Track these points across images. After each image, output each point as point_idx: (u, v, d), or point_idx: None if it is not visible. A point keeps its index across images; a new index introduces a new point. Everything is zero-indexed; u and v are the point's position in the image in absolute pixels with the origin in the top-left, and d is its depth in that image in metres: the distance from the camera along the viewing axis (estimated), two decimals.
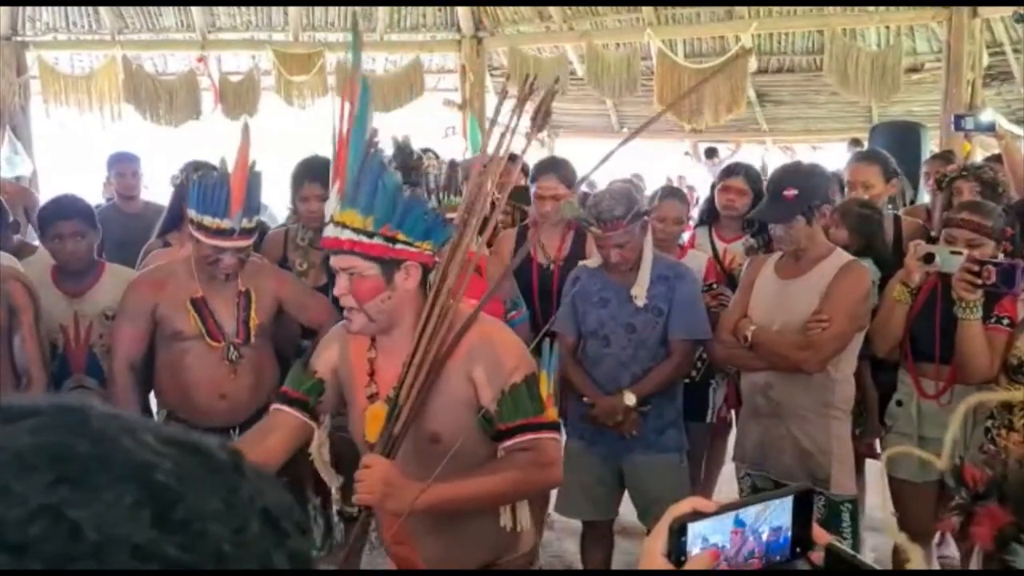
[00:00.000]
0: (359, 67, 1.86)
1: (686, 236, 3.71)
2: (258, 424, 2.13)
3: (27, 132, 7.64)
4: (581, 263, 3.16)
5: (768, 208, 2.83)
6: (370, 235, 1.75)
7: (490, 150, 1.92)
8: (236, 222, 2.57)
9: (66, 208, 3.06)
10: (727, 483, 3.61)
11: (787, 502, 0.87)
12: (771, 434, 2.87)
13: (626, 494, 3.18)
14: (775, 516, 0.86)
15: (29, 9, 7.61)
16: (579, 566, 3.45)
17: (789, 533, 0.87)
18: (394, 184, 1.75)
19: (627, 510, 3.25)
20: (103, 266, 3.15)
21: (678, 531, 0.82)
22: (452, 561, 1.94)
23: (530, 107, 2.01)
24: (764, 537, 0.86)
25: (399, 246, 1.77)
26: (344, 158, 1.78)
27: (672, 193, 3.51)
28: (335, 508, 3.76)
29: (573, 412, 3.17)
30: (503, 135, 1.89)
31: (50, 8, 7.68)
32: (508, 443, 1.79)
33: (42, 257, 3.27)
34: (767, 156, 10.26)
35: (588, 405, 3.00)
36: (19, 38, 7.61)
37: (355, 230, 1.75)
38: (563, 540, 4.07)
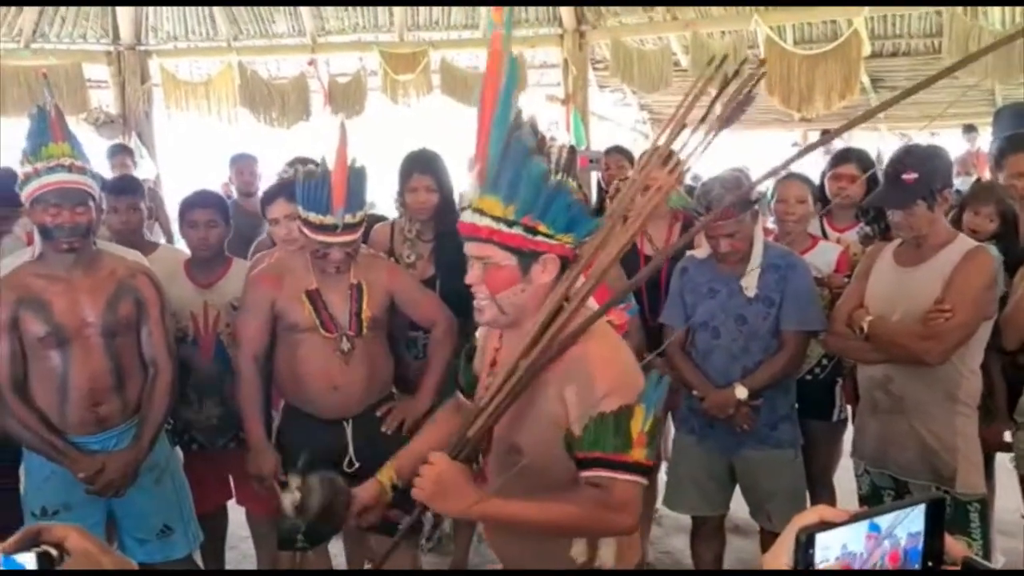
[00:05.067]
0: (508, 48, 1.69)
1: (815, 225, 3.56)
2: (447, 405, 2.17)
3: (151, 137, 8.04)
4: (689, 253, 3.10)
5: (887, 193, 2.70)
6: (510, 224, 1.65)
7: (654, 144, 1.78)
8: (339, 218, 2.62)
9: (204, 199, 3.30)
10: (840, 481, 3.49)
11: (920, 510, 0.82)
12: (892, 430, 2.74)
13: (737, 490, 3.11)
14: (911, 523, 0.82)
15: (152, 19, 7.99)
16: (688, 564, 3.39)
17: (922, 542, 0.83)
18: (539, 172, 1.62)
19: (739, 507, 3.18)
20: (231, 260, 3.31)
21: (806, 542, 0.79)
22: (532, 566, 1.86)
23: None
24: (902, 543, 0.82)
25: (539, 237, 1.66)
26: (485, 142, 1.67)
27: (792, 174, 3.40)
28: None
29: (683, 405, 3.12)
30: (673, 129, 1.72)
31: (171, 18, 8.05)
32: (583, 474, 1.64)
33: (166, 253, 3.48)
34: (881, 143, 9.86)
35: (698, 398, 2.95)
36: (143, 47, 8.01)
37: (495, 218, 1.65)
38: (672, 536, 4.02)
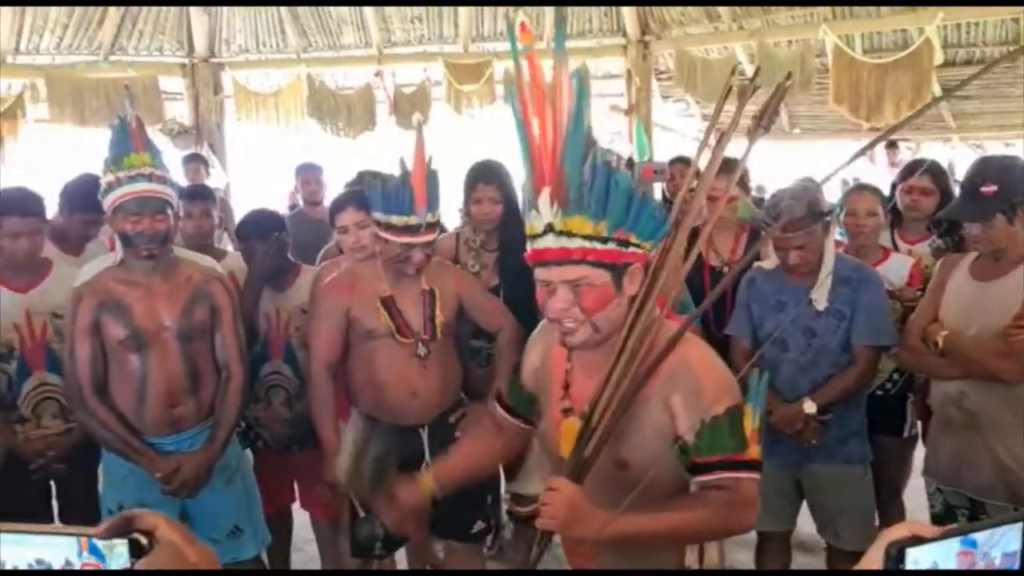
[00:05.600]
0: (566, 63, 1.59)
1: (886, 237, 3.49)
2: (485, 415, 2.20)
3: (221, 147, 8.26)
4: (757, 264, 3.06)
5: (964, 205, 2.63)
6: (604, 240, 1.60)
7: (707, 152, 1.77)
8: (422, 217, 2.66)
9: (260, 219, 3.38)
10: (911, 499, 3.40)
11: (1017, 529, 0.80)
12: (966, 448, 2.67)
13: (804, 506, 3.06)
14: (1006, 541, 0.80)
15: (225, 32, 8.22)
16: None
17: (1018, 561, 0.81)
18: (627, 183, 1.59)
19: (805, 523, 3.12)
20: (300, 267, 3.37)
21: (896, 556, 0.78)
22: None
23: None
24: (997, 562, 0.80)
25: (631, 249, 1.63)
26: (545, 161, 1.58)
27: (863, 185, 3.33)
28: (504, 508, 3.83)
29: None
30: (720, 137, 1.73)
31: (243, 31, 8.26)
32: (703, 478, 1.65)
33: (235, 261, 3.53)
34: (953, 154, 9.60)
35: (766, 412, 2.90)
36: (216, 60, 8.24)
37: (586, 237, 1.58)
38: (736, 551, 3.96)
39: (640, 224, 1.63)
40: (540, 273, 1.66)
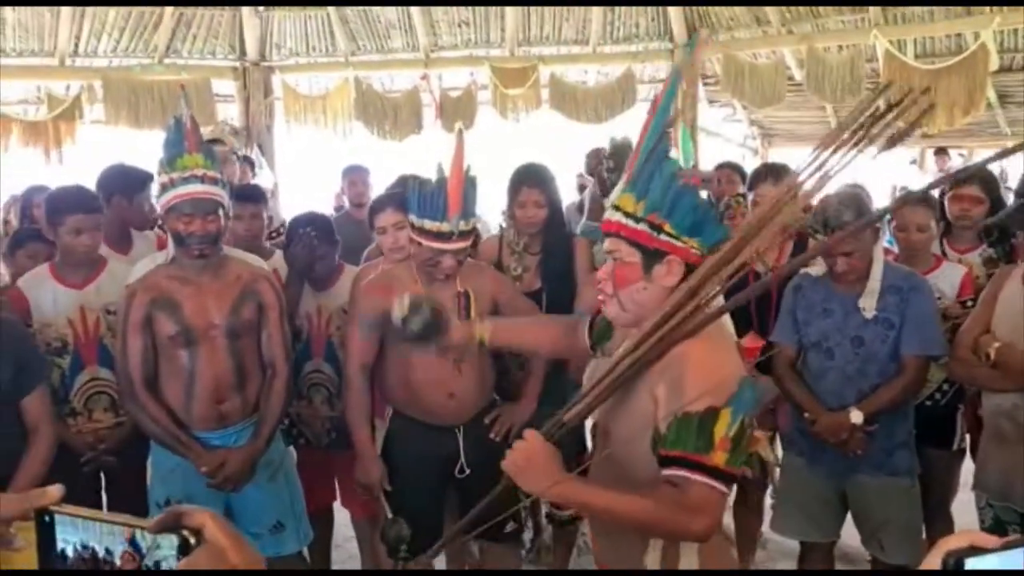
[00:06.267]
0: (676, 68, 1.84)
1: (935, 245, 3.41)
2: (568, 320, 2.31)
3: (271, 148, 8.38)
4: (803, 271, 3.03)
5: (1017, 213, 2.58)
6: (637, 220, 1.71)
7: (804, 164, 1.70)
8: (454, 225, 2.67)
9: (310, 220, 3.43)
10: (960, 515, 3.33)
11: None
12: (1018, 461, 2.60)
13: (849, 518, 3.01)
14: None
15: (276, 35, 8.34)
16: None
17: None
18: (671, 171, 1.69)
19: (849, 535, 3.08)
20: (342, 266, 3.41)
21: (954, 566, 0.75)
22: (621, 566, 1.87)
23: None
24: None
25: (664, 236, 1.70)
26: (636, 147, 1.76)
27: (916, 198, 3.24)
28: (544, 511, 3.83)
29: (792, 426, 3.05)
30: (836, 148, 1.62)
31: (294, 35, 8.38)
32: (662, 472, 1.64)
33: (279, 261, 3.57)
34: (1005, 161, 9.38)
35: (809, 420, 2.87)
36: (266, 63, 8.36)
37: (625, 213, 1.72)
38: (777, 561, 3.92)
39: (676, 214, 1.69)
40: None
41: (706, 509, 1.60)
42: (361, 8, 8.16)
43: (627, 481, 1.72)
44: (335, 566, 3.81)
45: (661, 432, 1.65)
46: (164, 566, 0.84)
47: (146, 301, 2.72)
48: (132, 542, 0.85)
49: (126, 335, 2.74)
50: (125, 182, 3.45)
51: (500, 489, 1.79)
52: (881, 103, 1.65)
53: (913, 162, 10.65)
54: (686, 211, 1.69)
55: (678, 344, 1.67)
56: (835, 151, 1.61)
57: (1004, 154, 1.69)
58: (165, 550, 0.84)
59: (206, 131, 7.87)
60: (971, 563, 0.75)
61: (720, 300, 1.73)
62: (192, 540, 0.83)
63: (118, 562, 0.85)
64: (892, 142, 1.57)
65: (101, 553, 0.86)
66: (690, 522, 1.60)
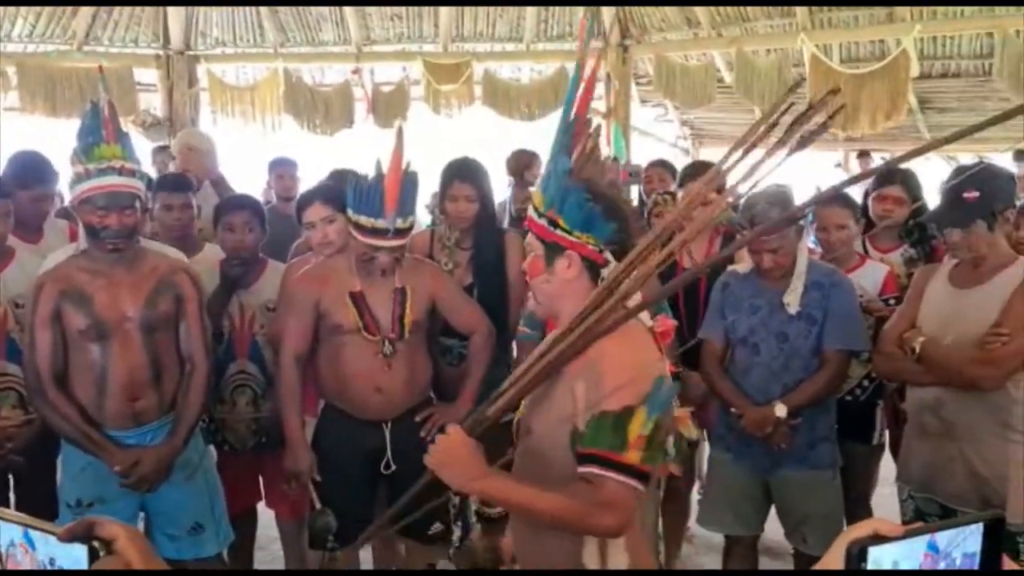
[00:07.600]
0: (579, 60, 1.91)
1: (857, 244, 3.46)
2: None
3: None
4: (730, 268, 3.05)
5: (945, 211, 2.62)
6: (539, 215, 1.79)
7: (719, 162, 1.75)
8: (391, 222, 2.62)
9: (241, 202, 3.38)
10: (880, 509, 3.41)
11: (978, 529, 0.79)
12: (941, 456, 2.66)
13: (772, 511, 3.05)
14: (968, 543, 0.79)
15: (201, 24, 8.13)
16: None
17: (979, 562, 0.79)
18: (563, 168, 1.76)
19: (773, 528, 3.12)
20: (266, 262, 3.32)
21: (858, 555, 0.76)
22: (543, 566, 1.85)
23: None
24: (958, 563, 0.79)
25: (559, 231, 1.77)
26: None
27: (832, 198, 3.30)
28: (473, 508, 3.80)
29: (719, 422, 3.08)
30: (753, 145, 1.66)
31: (220, 23, 8.18)
32: (578, 469, 1.66)
33: (209, 254, 3.47)
34: (927, 166, 9.70)
35: (736, 415, 2.90)
36: (191, 52, 8.14)
37: (534, 208, 1.82)
38: (702, 555, 3.96)
39: (566, 210, 1.75)
40: None
41: (619, 505, 1.62)
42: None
43: (546, 477, 1.72)
44: (258, 567, 3.70)
45: (579, 430, 1.67)
46: (58, 564, 0.83)
47: (55, 293, 2.60)
48: (26, 536, 0.84)
49: (34, 329, 2.61)
50: (34, 171, 3.29)
51: (423, 483, 1.78)
52: (796, 102, 1.68)
53: (838, 165, 10.92)
54: (573, 208, 1.74)
55: (597, 340, 1.69)
56: (751, 147, 1.65)
57: (916, 153, 1.71)
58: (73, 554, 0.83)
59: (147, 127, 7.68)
60: (873, 551, 0.75)
61: (638, 297, 1.74)
62: (102, 553, 0.83)
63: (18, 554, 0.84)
64: (804, 142, 1.58)
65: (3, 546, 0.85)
66: (601, 519, 1.63)
